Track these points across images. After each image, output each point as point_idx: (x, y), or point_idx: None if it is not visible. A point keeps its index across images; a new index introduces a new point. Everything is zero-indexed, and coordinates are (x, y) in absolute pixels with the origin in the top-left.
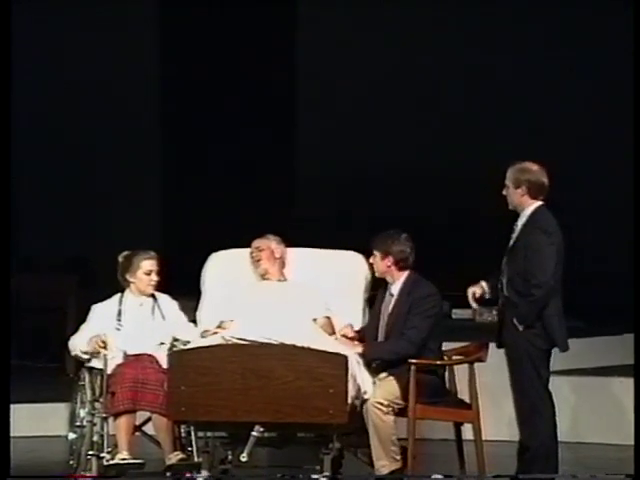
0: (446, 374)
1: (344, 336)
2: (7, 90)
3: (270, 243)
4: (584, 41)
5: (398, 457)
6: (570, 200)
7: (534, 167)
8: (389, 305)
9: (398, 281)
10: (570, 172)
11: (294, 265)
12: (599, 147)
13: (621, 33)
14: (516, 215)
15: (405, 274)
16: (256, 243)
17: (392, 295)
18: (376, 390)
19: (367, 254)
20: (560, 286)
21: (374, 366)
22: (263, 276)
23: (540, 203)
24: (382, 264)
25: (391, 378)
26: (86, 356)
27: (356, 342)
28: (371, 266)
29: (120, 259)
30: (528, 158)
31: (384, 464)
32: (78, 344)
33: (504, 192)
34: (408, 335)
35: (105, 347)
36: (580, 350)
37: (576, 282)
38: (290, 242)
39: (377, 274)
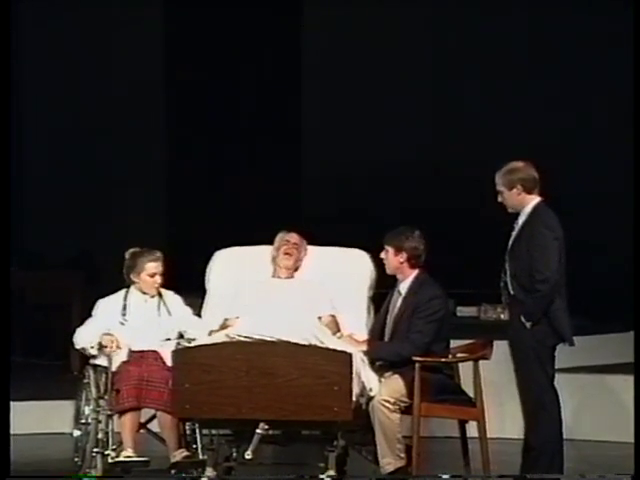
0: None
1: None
2: (8, 90)
3: (303, 247)
4: (584, 40)
5: (403, 455)
6: (572, 197)
7: (520, 164)
8: (396, 303)
9: (407, 279)
10: (571, 172)
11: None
12: (599, 147)
13: (621, 31)
14: (517, 213)
15: (415, 272)
16: (296, 239)
17: (400, 294)
18: (382, 388)
19: (371, 252)
20: (565, 281)
21: (378, 365)
22: (282, 269)
23: (539, 199)
24: (394, 260)
25: (397, 376)
26: (93, 350)
27: (360, 340)
28: (376, 264)
29: (126, 256)
30: (529, 156)
31: (389, 462)
32: (84, 337)
33: (499, 199)
34: (412, 339)
35: (116, 346)
36: (584, 348)
37: (579, 279)
38: None
39: (388, 270)
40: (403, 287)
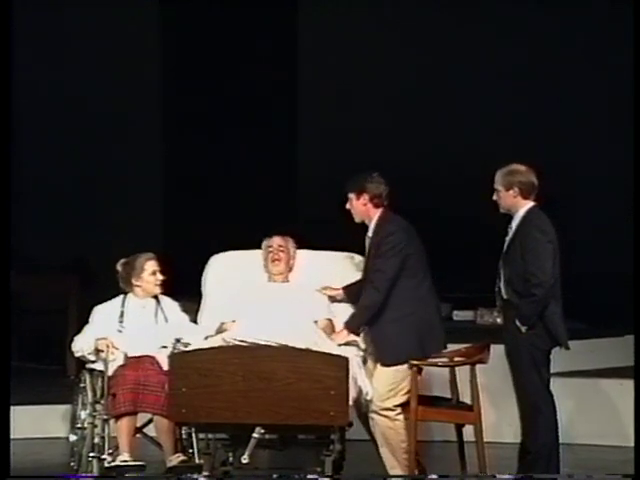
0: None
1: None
2: (7, 90)
3: (290, 246)
4: (584, 40)
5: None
6: (570, 200)
7: (522, 168)
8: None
9: (372, 222)
10: (570, 172)
11: (296, 267)
12: (599, 147)
13: (621, 31)
14: (510, 217)
15: (378, 212)
16: (279, 242)
17: (369, 238)
18: (374, 397)
19: None
20: (559, 285)
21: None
22: (276, 275)
23: (533, 203)
24: (358, 204)
25: (379, 369)
26: (91, 357)
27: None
28: None
29: (119, 267)
30: (529, 158)
31: (399, 472)
32: (82, 345)
33: (494, 197)
34: (372, 280)
35: (112, 347)
36: (579, 352)
37: (576, 283)
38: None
39: (356, 218)
40: (370, 231)
